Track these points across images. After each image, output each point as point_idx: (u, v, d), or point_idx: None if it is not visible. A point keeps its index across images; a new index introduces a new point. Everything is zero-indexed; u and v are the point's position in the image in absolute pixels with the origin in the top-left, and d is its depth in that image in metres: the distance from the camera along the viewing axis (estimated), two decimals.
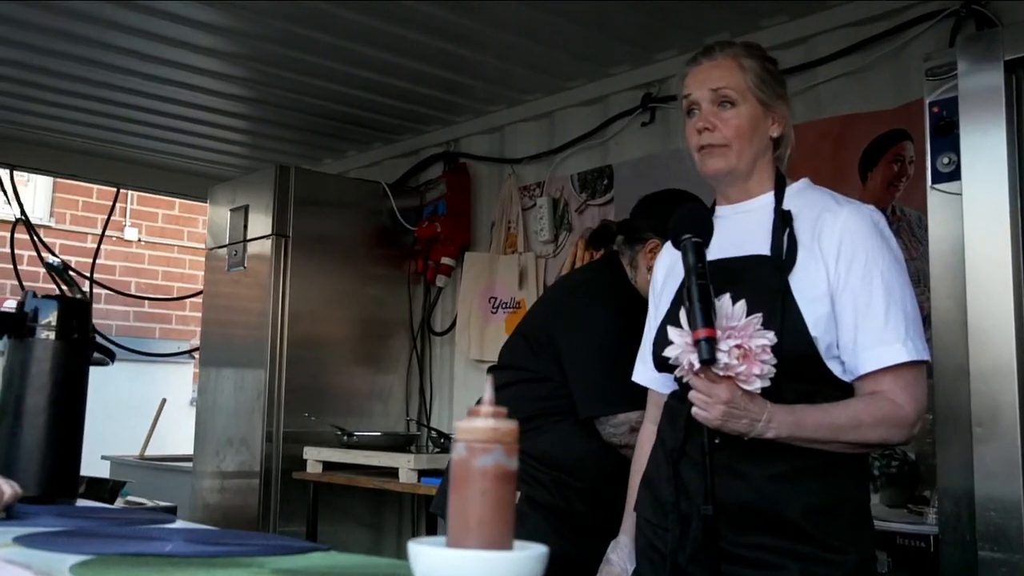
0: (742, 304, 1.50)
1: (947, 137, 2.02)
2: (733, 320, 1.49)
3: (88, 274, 5.28)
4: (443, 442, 3.62)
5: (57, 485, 1.91)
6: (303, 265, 4.05)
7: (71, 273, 2.02)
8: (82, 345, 1.97)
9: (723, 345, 1.45)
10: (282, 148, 4.91)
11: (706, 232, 1.57)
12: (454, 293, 4.31)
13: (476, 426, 0.97)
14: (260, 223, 4.08)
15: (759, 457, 1.56)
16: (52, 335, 1.93)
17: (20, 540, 1.35)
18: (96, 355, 2.02)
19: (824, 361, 1.57)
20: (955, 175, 2.00)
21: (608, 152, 3.78)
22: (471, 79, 3.90)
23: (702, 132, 1.72)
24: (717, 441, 1.52)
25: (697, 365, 1.46)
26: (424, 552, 0.96)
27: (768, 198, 1.74)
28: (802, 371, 1.56)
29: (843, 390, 1.60)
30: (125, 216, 7.14)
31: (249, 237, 4.12)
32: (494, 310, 4.07)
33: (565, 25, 3.37)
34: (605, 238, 2.64)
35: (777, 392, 1.50)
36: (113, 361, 2.05)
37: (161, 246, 7.31)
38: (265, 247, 4.03)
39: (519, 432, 2.76)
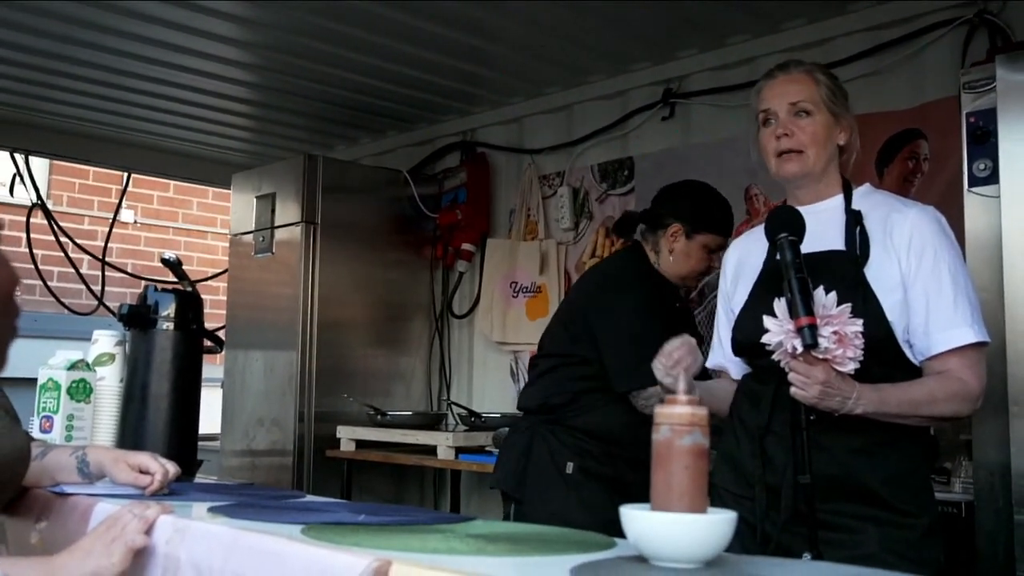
0: (833, 295, 1.70)
1: (983, 145, 2.24)
2: (828, 309, 1.69)
3: (96, 256, 5.37)
4: (473, 420, 3.80)
5: (181, 464, 2.06)
6: (330, 251, 4.20)
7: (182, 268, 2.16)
8: (197, 335, 2.12)
9: (823, 331, 1.66)
10: (294, 135, 5.02)
11: (800, 231, 1.77)
12: (473, 278, 4.49)
13: (677, 411, 1.16)
14: (289, 210, 4.22)
15: (841, 432, 1.76)
16: (171, 326, 2.09)
17: (216, 511, 1.52)
18: (208, 344, 2.17)
19: (899, 343, 1.79)
20: (990, 179, 2.23)
21: (628, 144, 3.97)
22: (490, 71, 4.04)
23: (780, 138, 1.92)
24: (812, 418, 1.73)
25: (800, 349, 1.66)
26: (636, 516, 1.15)
27: (837, 200, 1.94)
28: (880, 353, 1.76)
29: (912, 372, 1.81)
30: (121, 197, 7.18)
31: (277, 224, 4.25)
32: (515, 294, 4.26)
33: (586, 21, 3.50)
34: (629, 227, 2.87)
35: (864, 373, 1.70)
36: (222, 349, 2.20)
37: (156, 228, 7.37)
38: (294, 234, 4.17)
39: (566, 410, 2.99)
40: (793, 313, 1.67)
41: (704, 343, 3.13)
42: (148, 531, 1.39)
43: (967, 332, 1.76)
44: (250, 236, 4.39)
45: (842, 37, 3.32)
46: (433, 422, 4.06)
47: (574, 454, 2.62)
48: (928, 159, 3.11)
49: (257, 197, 4.37)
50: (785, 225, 1.76)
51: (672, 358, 1.85)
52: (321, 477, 4.06)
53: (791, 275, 1.69)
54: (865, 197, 1.95)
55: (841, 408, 1.69)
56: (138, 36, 3.70)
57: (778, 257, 1.76)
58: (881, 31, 3.24)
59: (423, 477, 4.50)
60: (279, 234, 4.26)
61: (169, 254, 2.13)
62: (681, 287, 2.78)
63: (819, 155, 1.92)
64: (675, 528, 1.13)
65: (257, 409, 4.25)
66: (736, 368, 2.06)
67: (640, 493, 2.42)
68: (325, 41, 3.71)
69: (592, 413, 2.60)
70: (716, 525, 1.14)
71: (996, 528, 2.17)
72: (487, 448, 3.59)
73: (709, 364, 2.14)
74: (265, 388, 4.21)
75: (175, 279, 2.25)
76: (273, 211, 4.28)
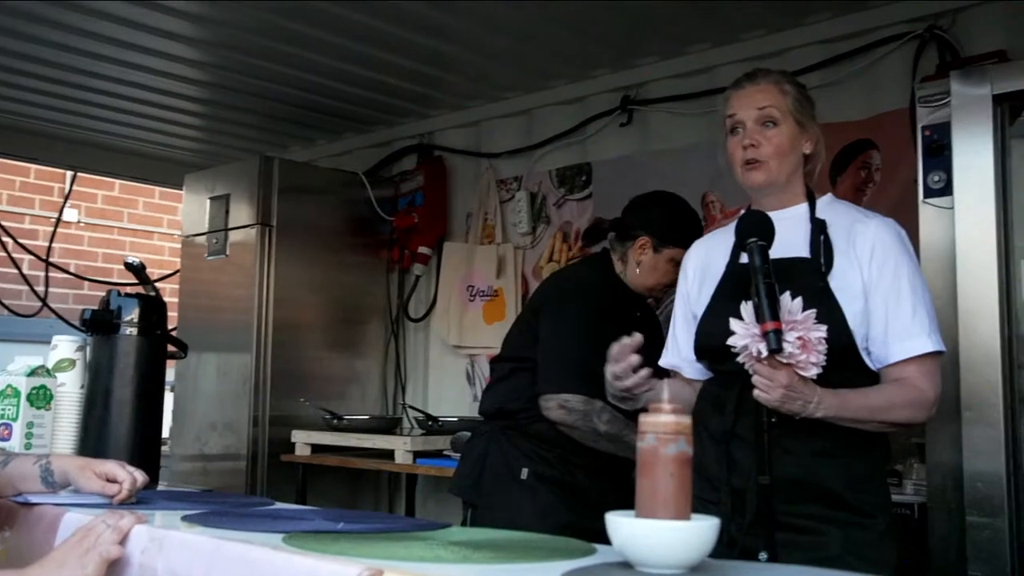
0: (799, 301, 1.75)
1: (937, 158, 2.30)
2: (794, 315, 1.73)
3: (39, 256, 5.24)
4: (430, 424, 3.79)
5: (146, 471, 2.03)
6: (285, 253, 4.17)
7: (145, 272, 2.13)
8: (162, 340, 2.09)
9: (788, 336, 1.69)
10: (249, 135, 4.96)
11: (770, 236, 1.80)
12: (429, 281, 4.48)
13: (662, 420, 1.18)
14: (243, 212, 4.17)
15: (804, 435, 1.80)
16: (135, 331, 2.05)
17: (190, 520, 1.50)
18: (171, 349, 2.14)
19: (859, 351, 1.83)
20: (944, 191, 2.29)
21: (587, 150, 4.00)
22: (450, 74, 4.03)
23: (747, 148, 1.96)
24: (774, 420, 1.77)
25: (765, 353, 1.69)
26: (622, 522, 1.17)
27: (802, 208, 1.99)
28: (842, 360, 1.81)
29: (871, 378, 1.86)
30: (66, 197, 7.03)
31: (231, 225, 4.20)
32: (472, 298, 4.26)
33: (547, 26, 3.50)
34: (598, 235, 2.89)
35: (824, 378, 1.75)
36: (187, 355, 2.17)
37: (101, 227, 7.22)
38: (249, 236, 4.13)
39: (522, 415, 2.99)
40: (760, 317, 1.70)
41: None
42: (123, 541, 1.38)
43: (925, 342, 1.82)
44: (203, 238, 4.33)
45: (799, 48, 3.38)
46: (390, 426, 4.04)
47: (529, 460, 2.62)
48: (880, 169, 3.19)
49: (211, 198, 4.31)
50: (756, 230, 1.79)
51: (623, 364, 1.85)
52: (275, 482, 4.02)
53: (759, 280, 1.72)
54: (829, 207, 1.99)
55: (802, 412, 1.74)
56: (87, 32, 3.61)
57: (746, 261, 1.80)
58: (836, 43, 3.30)
59: (378, 481, 4.48)
60: (233, 236, 4.21)
61: (132, 258, 2.10)
62: (647, 297, 2.80)
63: (784, 165, 1.96)
64: (660, 535, 1.15)
65: (210, 413, 4.19)
66: (691, 368, 2.08)
67: (596, 499, 2.45)
68: (281, 40, 3.66)
69: (547, 421, 2.61)
70: (700, 531, 1.16)
71: (949, 529, 2.24)
72: (445, 452, 3.59)
73: (663, 363, 2.16)
74: (218, 391, 4.16)
75: (125, 281, 2.21)
76: (227, 212, 4.23)
